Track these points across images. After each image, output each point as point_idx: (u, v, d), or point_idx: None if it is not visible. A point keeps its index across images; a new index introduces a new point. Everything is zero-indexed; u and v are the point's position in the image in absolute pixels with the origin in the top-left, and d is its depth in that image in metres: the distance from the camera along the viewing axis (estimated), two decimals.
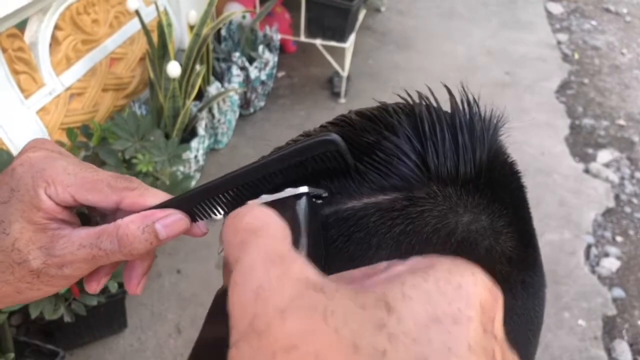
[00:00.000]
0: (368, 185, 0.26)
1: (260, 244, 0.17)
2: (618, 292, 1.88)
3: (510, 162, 0.30)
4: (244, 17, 2.49)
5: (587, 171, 2.40)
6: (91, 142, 1.59)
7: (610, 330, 1.77)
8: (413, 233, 0.25)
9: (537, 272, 0.28)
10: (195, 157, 2.01)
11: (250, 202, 0.22)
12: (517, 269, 0.27)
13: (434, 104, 0.28)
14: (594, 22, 3.70)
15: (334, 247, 0.25)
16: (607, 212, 2.20)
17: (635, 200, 2.27)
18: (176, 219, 0.29)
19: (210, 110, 2.14)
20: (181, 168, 1.84)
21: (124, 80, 1.98)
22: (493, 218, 0.26)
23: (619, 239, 2.10)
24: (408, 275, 0.17)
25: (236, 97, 2.30)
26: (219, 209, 0.29)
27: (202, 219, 0.30)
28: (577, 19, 3.74)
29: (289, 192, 0.24)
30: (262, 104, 2.60)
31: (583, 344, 1.71)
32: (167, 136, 1.83)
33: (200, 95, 2.11)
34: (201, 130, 1.99)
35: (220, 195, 0.28)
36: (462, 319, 0.16)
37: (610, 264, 1.97)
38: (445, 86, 0.29)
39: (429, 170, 0.25)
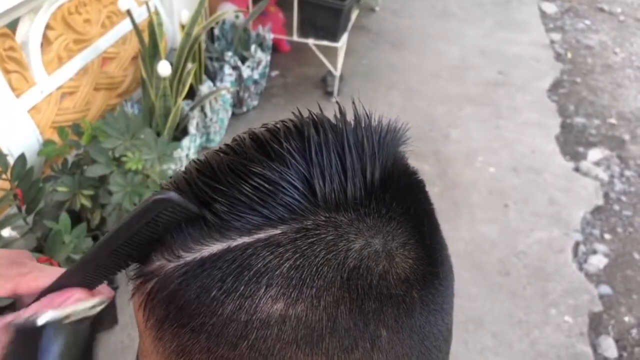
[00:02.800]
0: (256, 220, 0.24)
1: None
2: (605, 289, 1.90)
3: (410, 173, 0.29)
4: (237, 16, 2.51)
5: (577, 170, 2.42)
6: (82, 141, 1.61)
7: (596, 326, 1.79)
8: (303, 267, 0.24)
9: (438, 287, 0.28)
10: (187, 155, 2.03)
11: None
12: (415, 289, 0.26)
13: (328, 125, 0.26)
14: (587, 22, 3.72)
15: (223, 288, 0.24)
16: (596, 210, 2.22)
17: (624, 198, 2.29)
18: (75, 298, 0.29)
19: (202, 109, 2.16)
20: (172, 166, 1.86)
21: (117, 79, 1.99)
22: (387, 240, 0.26)
23: (607, 236, 2.11)
24: None
25: (228, 96, 2.32)
26: (108, 274, 0.29)
27: (101, 283, 0.31)
28: (571, 18, 3.76)
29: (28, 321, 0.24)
30: (255, 103, 2.62)
31: (569, 340, 1.73)
32: (159, 135, 1.85)
33: (192, 94, 2.13)
34: (192, 129, 2.01)
35: (103, 263, 0.28)
36: None
37: (598, 261, 1.99)
38: (337, 103, 0.28)
39: (316, 198, 0.25)
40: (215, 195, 0.25)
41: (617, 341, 1.75)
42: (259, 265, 0.24)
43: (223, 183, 0.25)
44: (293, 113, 0.28)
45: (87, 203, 1.56)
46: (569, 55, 3.31)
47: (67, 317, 0.24)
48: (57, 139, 1.64)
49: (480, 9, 3.78)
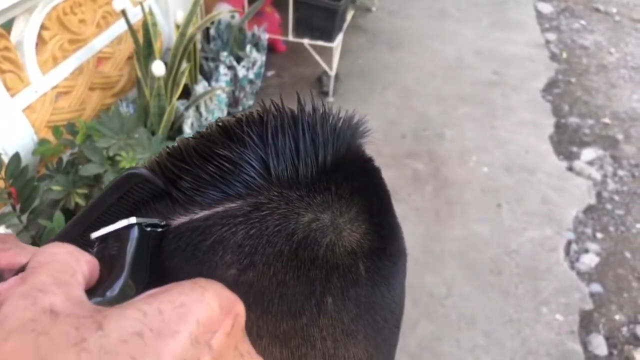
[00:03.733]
0: (216, 195, 0.27)
1: (30, 280, 0.20)
2: (596, 288, 1.91)
3: (364, 159, 0.32)
4: (232, 16, 2.52)
5: (570, 169, 2.44)
6: (76, 140, 1.62)
7: (587, 324, 1.80)
8: (255, 237, 0.26)
9: (385, 261, 0.30)
10: None
11: (55, 243, 0.24)
12: (362, 261, 0.28)
13: (287, 112, 0.29)
14: (583, 22, 3.74)
15: (183, 256, 0.27)
16: (589, 209, 2.24)
17: (616, 198, 2.30)
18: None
19: (197, 109, 2.17)
20: None
21: (112, 79, 2.01)
22: (335, 215, 0.28)
23: (599, 235, 2.13)
24: (145, 298, 0.21)
25: (223, 96, 2.33)
26: (84, 250, 0.32)
27: None
28: (567, 18, 3.77)
29: (118, 224, 0.26)
30: (250, 102, 2.64)
31: (559, 338, 1.74)
32: (154, 134, 1.87)
33: (188, 94, 2.14)
34: (187, 129, 2.02)
35: (76, 240, 0.30)
36: (168, 333, 0.19)
37: (590, 260, 2.01)
38: (298, 95, 0.30)
39: (270, 176, 0.27)
40: (182, 173, 0.28)
41: (607, 339, 1.77)
42: (216, 234, 0.26)
43: (188, 163, 0.28)
44: (258, 103, 0.30)
45: (82, 202, 1.58)
46: (564, 55, 3.33)
47: (142, 223, 0.27)
48: (52, 138, 1.65)
49: (477, 9, 3.79)
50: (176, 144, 0.30)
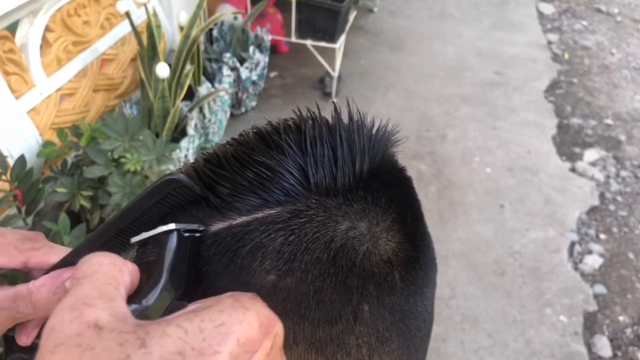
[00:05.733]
0: (255, 202, 0.27)
1: (75, 292, 0.21)
2: (600, 289, 1.91)
3: (398, 169, 0.32)
4: (235, 18, 2.53)
5: (573, 170, 2.44)
6: (81, 142, 1.62)
7: (590, 325, 1.80)
8: (294, 243, 0.26)
9: (419, 271, 0.30)
10: (186, 156, 2.05)
11: (96, 253, 0.24)
12: (397, 270, 0.29)
13: (324, 121, 0.29)
14: (584, 22, 3.74)
15: (222, 262, 0.27)
16: (592, 210, 2.24)
17: (619, 198, 2.31)
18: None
19: (201, 110, 2.17)
20: (171, 167, 1.88)
21: (115, 80, 2.01)
22: (372, 224, 0.28)
23: (602, 236, 2.13)
24: (187, 314, 0.21)
25: (227, 97, 2.33)
26: (116, 251, 0.31)
27: None
28: (568, 19, 3.77)
29: (158, 229, 0.27)
30: (253, 103, 2.64)
31: (564, 339, 1.75)
32: (158, 136, 1.87)
33: (191, 96, 2.14)
34: (191, 130, 2.02)
35: (109, 241, 0.30)
36: (208, 353, 0.19)
37: (593, 261, 2.01)
38: (334, 102, 0.31)
39: (309, 183, 0.27)
40: (220, 180, 0.28)
41: (611, 340, 1.77)
42: (256, 240, 0.27)
43: (227, 169, 0.28)
44: (294, 111, 0.31)
45: (87, 204, 1.58)
46: (566, 56, 3.33)
47: (182, 229, 0.27)
48: (56, 140, 1.65)
49: (478, 9, 3.79)
50: (212, 150, 0.30)
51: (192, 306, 0.22)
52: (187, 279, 0.26)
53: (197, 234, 0.28)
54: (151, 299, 0.24)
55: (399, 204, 0.30)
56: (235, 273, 0.27)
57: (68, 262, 0.33)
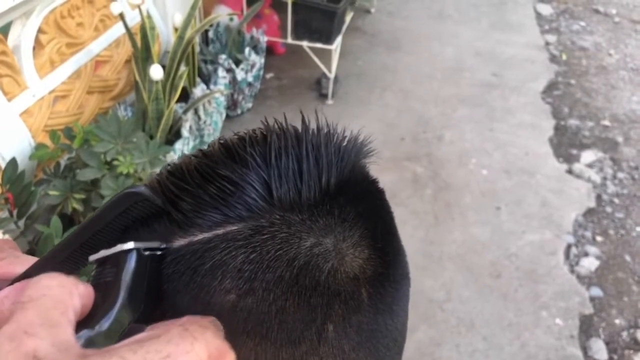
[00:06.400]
0: (216, 218, 0.26)
1: (17, 318, 0.20)
2: (596, 291, 1.90)
3: (368, 181, 0.31)
4: (231, 19, 2.52)
5: (570, 172, 2.43)
6: (74, 144, 1.61)
7: (586, 329, 1.80)
8: (255, 261, 0.25)
9: (388, 288, 0.29)
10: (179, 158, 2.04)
11: (50, 273, 0.23)
12: (364, 288, 0.28)
13: (291, 132, 0.28)
14: (582, 23, 3.73)
15: (182, 280, 0.26)
16: (588, 212, 2.23)
17: (616, 200, 2.30)
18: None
19: (196, 112, 2.16)
20: None
21: (110, 82, 2.00)
22: (338, 240, 0.27)
23: (599, 238, 2.12)
24: (132, 344, 0.20)
25: (222, 99, 2.32)
26: (79, 265, 0.30)
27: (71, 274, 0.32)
28: (566, 20, 3.77)
29: (117, 248, 0.25)
30: (249, 105, 2.63)
31: (559, 343, 1.74)
32: (152, 138, 1.86)
33: (186, 97, 2.14)
34: (185, 132, 2.01)
35: (71, 255, 0.29)
36: None
37: (590, 264, 2.00)
38: (302, 114, 0.29)
39: (272, 198, 0.26)
40: (182, 194, 0.27)
41: (607, 344, 1.76)
42: (216, 259, 0.26)
43: (189, 183, 0.27)
44: (262, 122, 0.30)
45: (79, 207, 1.57)
46: (564, 56, 3.32)
47: (141, 248, 0.26)
48: (49, 143, 1.64)
49: (476, 10, 3.79)
50: (178, 162, 0.29)
51: (139, 335, 0.21)
52: (146, 300, 0.25)
53: (158, 252, 0.27)
54: (105, 324, 0.23)
55: (368, 218, 0.29)
56: (195, 292, 0.26)
57: (31, 273, 0.32)
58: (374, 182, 0.32)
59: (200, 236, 0.26)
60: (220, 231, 0.26)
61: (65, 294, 0.22)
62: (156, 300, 0.27)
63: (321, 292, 0.26)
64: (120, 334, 0.24)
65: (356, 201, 0.29)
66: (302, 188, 0.27)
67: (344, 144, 0.29)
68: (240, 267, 0.26)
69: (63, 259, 0.30)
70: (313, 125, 0.30)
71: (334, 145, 0.28)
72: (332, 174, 0.27)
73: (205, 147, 0.30)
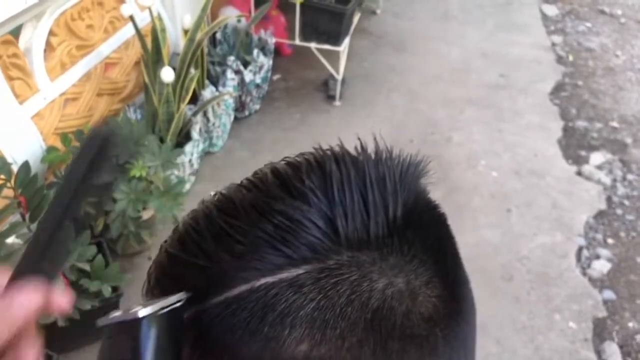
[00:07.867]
0: (277, 260, 0.24)
1: None
2: (608, 294, 1.89)
3: (431, 207, 0.29)
4: (239, 20, 2.51)
5: (579, 173, 2.42)
6: None
7: (600, 332, 1.79)
8: (326, 308, 0.24)
9: (461, 323, 0.28)
10: (190, 160, 2.03)
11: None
12: (439, 327, 0.26)
13: (347, 158, 0.26)
14: (588, 24, 3.72)
15: (248, 330, 0.24)
16: (599, 215, 2.22)
17: (626, 202, 2.29)
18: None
19: (205, 114, 2.15)
20: (176, 172, 1.86)
21: (119, 84, 1.99)
22: (410, 278, 0.25)
23: (610, 241, 2.11)
24: None
25: (230, 101, 2.31)
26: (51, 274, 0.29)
27: (59, 264, 0.30)
28: (572, 20, 3.76)
29: (129, 315, 0.23)
30: (257, 106, 2.62)
31: (573, 346, 1.73)
32: (162, 140, 1.85)
33: (195, 99, 2.13)
34: (195, 135, 2.00)
35: (56, 227, 0.28)
36: None
37: (601, 266, 1.99)
38: (359, 139, 0.28)
39: (338, 237, 0.24)
40: (236, 234, 0.25)
41: (621, 347, 1.75)
42: (283, 306, 0.24)
43: (244, 221, 0.25)
44: (314, 148, 0.28)
45: (91, 210, 1.56)
46: (571, 57, 3.31)
47: (160, 309, 0.24)
48: (60, 146, 1.63)
49: (481, 11, 3.78)
50: (226, 194, 0.27)
51: None
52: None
53: (177, 304, 0.25)
54: None
55: (437, 251, 0.27)
56: (262, 343, 0.24)
57: (22, 269, 0.30)
58: (436, 208, 0.30)
59: (263, 281, 0.24)
60: (284, 275, 0.24)
61: None
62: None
63: (396, 336, 0.25)
64: None
65: (423, 233, 0.27)
66: (369, 224, 0.25)
67: (404, 168, 0.27)
68: (311, 315, 0.24)
69: (48, 237, 0.29)
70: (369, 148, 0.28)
71: (396, 171, 0.27)
72: (399, 205, 0.26)
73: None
